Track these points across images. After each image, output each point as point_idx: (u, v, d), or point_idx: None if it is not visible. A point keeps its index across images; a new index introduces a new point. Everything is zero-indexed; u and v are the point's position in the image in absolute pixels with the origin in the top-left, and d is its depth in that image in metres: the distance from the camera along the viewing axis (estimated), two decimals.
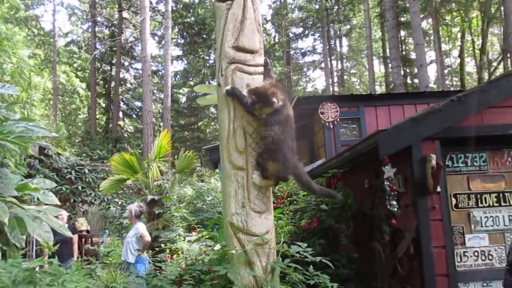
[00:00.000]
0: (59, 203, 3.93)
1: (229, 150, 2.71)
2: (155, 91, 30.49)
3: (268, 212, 2.86)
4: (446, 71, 29.67)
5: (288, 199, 5.49)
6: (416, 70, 20.68)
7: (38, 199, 3.77)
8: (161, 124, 25.62)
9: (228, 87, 2.76)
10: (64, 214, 9.71)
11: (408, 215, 3.99)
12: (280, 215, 5.48)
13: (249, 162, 2.69)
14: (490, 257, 3.97)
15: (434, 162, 3.70)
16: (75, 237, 9.08)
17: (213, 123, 35.27)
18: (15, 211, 3.28)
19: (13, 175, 3.91)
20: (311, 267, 2.87)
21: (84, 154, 22.35)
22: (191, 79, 33.11)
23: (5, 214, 3.07)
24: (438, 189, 3.82)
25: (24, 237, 3.17)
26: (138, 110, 32.35)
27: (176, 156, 10.50)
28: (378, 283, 4.61)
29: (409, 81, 27.75)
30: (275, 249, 2.82)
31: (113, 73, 30.63)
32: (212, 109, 35.08)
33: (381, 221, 4.52)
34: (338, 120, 8.35)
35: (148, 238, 6.94)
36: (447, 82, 30.19)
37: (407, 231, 3.91)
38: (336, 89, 34.21)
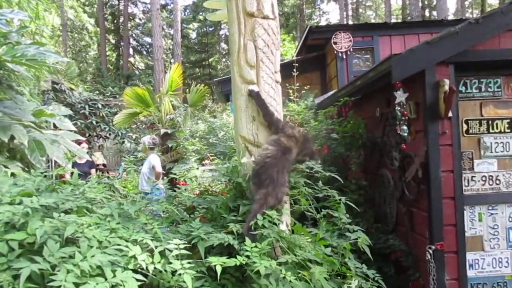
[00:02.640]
0: (75, 129, 4.03)
1: (240, 64, 2.70)
2: (164, 26, 29.87)
3: None
4: (466, 2, 28.33)
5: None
6: (434, 2, 19.78)
7: (54, 125, 3.87)
8: (172, 60, 25.34)
9: (254, 88, 2.70)
10: (85, 143, 10.01)
11: (418, 141, 4.02)
12: None
13: (260, 77, 2.68)
14: (498, 182, 4.03)
15: (447, 87, 3.66)
16: (93, 171, 9.38)
17: (224, 59, 34.79)
18: (34, 135, 3.39)
19: (29, 102, 3.98)
20: (320, 182, 2.95)
21: (97, 91, 22.44)
22: (201, 13, 32.24)
23: (24, 137, 3.17)
24: (450, 114, 3.80)
25: (44, 159, 3.30)
26: (148, 46, 31.95)
27: (188, 90, 10.51)
28: (386, 208, 4.76)
29: (427, 13, 26.64)
30: None
31: (121, 7, 29.91)
32: (223, 45, 34.46)
33: (391, 148, 4.57)
34: (351, 50, 8.16)
35: (159, 169, 7.14)
36: (467, 14, 28.95)
37: (416, 156, 3.96)
38: (350, 23, 33.11)
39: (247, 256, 1.96)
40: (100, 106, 12.31)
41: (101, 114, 12.24)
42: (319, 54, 9.18)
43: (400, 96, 3.89)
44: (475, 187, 4.01)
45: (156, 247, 1.79)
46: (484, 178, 4.03)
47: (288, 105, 6.05)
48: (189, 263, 1.73)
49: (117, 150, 13.82)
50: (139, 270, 1.65)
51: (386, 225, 4.75)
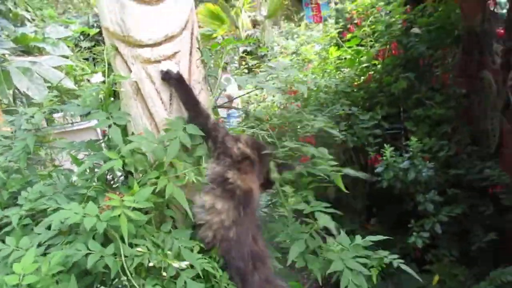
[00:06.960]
0: (70, 53, 3.44)
1: None
2: None
3: None
4: None
5: (368, 24, 4.19)
6: None
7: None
8: None
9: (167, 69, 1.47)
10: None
11: None
12: (359, 47, 4.33)
13: None
14: None
15: None
16: None
17: None
18: (5, 65, 2.86)
19: (24, 27, 3.50)
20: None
21: None
22: None
23: None
24: None
25: (11, 91, 2.78)
26: None
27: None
28: (486, 122, 3.41)
29: None
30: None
31: None
32: None
33: (492, 38, 3.15)
34: None
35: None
36: None
37: None
38: None
39: None
40: None
41: None
42: None
43: None
44: None
45: None
46: None
47: None
48: None
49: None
50: None
51: (487, 147, 3.44)
